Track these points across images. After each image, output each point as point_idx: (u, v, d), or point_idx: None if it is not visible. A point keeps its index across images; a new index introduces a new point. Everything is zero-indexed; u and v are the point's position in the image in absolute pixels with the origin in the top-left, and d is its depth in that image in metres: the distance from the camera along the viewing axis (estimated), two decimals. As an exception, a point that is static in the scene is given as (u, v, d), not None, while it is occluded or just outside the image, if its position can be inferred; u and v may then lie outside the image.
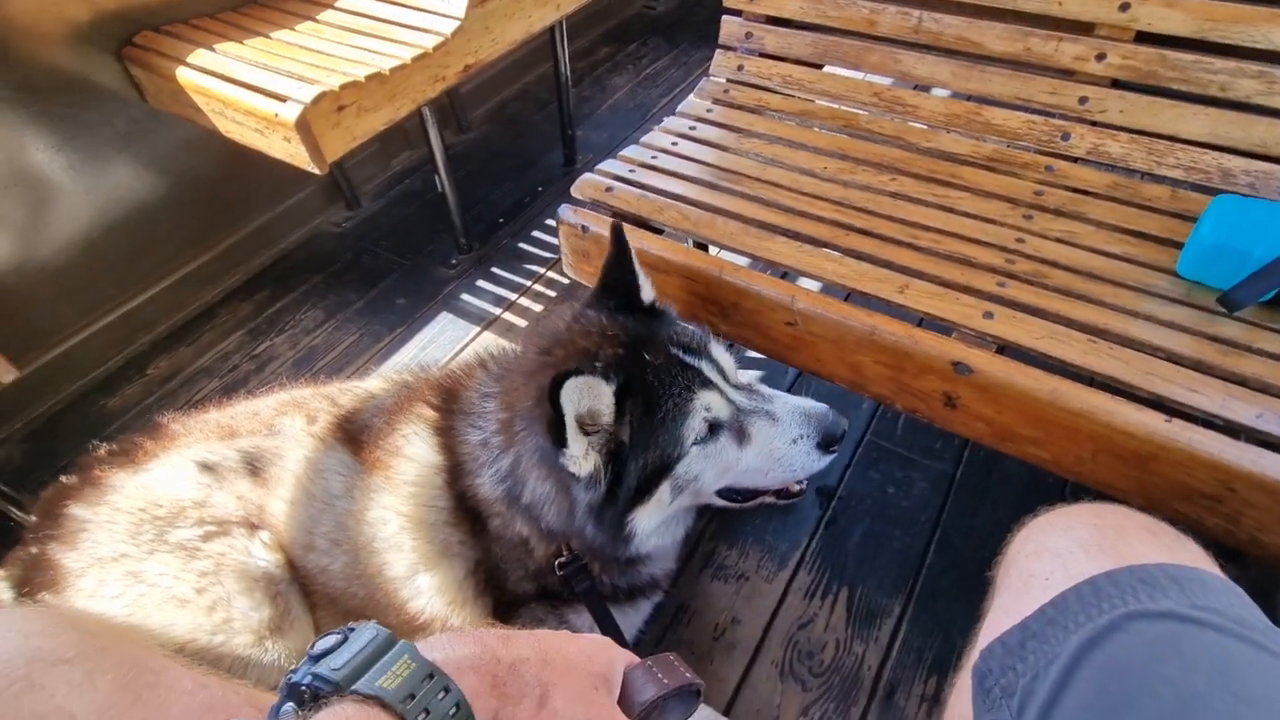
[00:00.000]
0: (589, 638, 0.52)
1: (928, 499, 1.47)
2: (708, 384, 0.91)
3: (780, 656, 1.26)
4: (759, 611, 1.31)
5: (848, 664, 1.24)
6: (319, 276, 2.06)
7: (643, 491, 0.88)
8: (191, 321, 1.93)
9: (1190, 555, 0.60)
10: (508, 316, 1.94)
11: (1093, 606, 0.55)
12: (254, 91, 1.44)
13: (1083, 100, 1.14)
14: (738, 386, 0.96)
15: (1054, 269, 0.99)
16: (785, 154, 1.23)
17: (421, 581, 1.02)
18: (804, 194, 1.14)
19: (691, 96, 1.39)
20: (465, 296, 2.00)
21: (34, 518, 1.09)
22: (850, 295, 1.02)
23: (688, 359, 0.91)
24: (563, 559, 0.98)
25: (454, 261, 2.08)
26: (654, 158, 1.24)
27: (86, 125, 1.62)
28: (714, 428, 0.92)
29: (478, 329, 1.91)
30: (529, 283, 2.03)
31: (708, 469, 0.92)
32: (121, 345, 1.81)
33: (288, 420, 1.14)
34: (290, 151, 1.46)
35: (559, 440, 0.82)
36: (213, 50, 1.56)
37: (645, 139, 1.29)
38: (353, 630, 0.43)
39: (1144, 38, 1.09)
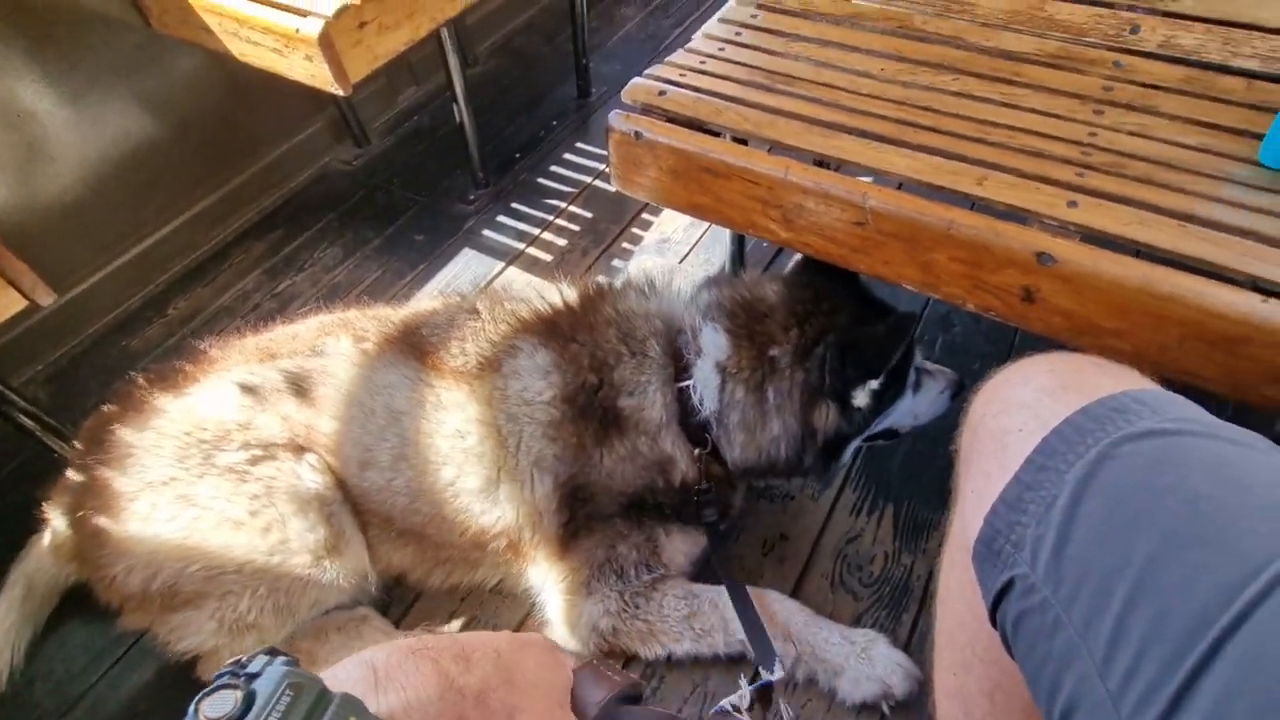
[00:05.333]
0: (539, 645, 0.45)
1: (969, 417, 1.46)
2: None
3: (830, 569, 1.26)
4: (806, 528, 1.31)
5: (897, 574, 1.25)
6: (333, 214, 1.99)
7: (865, 426, 1.08)
8: (206, 262, 1.86)
9: (1140, 380, 0.60)
10: (532, 251, 1.89)
11: (1077, 443, 0.54)
12: (272, 7, 1.36)
13: (1152, -10, 1.09)
14: None
15: (1131, 160, 0.96)
16: (839, 57, 1.18)
17: (503, 492, 1.01)
18: (863, 94, 1.09)
19: (732, 2, 1.33)
20: (486, 232, 1.94)
21: (79, 445, 1.06)
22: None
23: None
24: (703, 486, 1.06)
25: (472, 197, 2.02)
26: (702, 63, 1.18)
27: (89, 49, 1.53)
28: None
29: (502, 264, 1.86)
30: (551, 217, 1.97)
31: (895, 408, 1.11)
32: (138, 286, 1.76)
33: (332, 341, 1.11)
34: (311, 72, 1.39)
35: (867, 375, 1.01)
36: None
37: (689, 46, 1.23)
38: (252, 675, 0.31)
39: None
